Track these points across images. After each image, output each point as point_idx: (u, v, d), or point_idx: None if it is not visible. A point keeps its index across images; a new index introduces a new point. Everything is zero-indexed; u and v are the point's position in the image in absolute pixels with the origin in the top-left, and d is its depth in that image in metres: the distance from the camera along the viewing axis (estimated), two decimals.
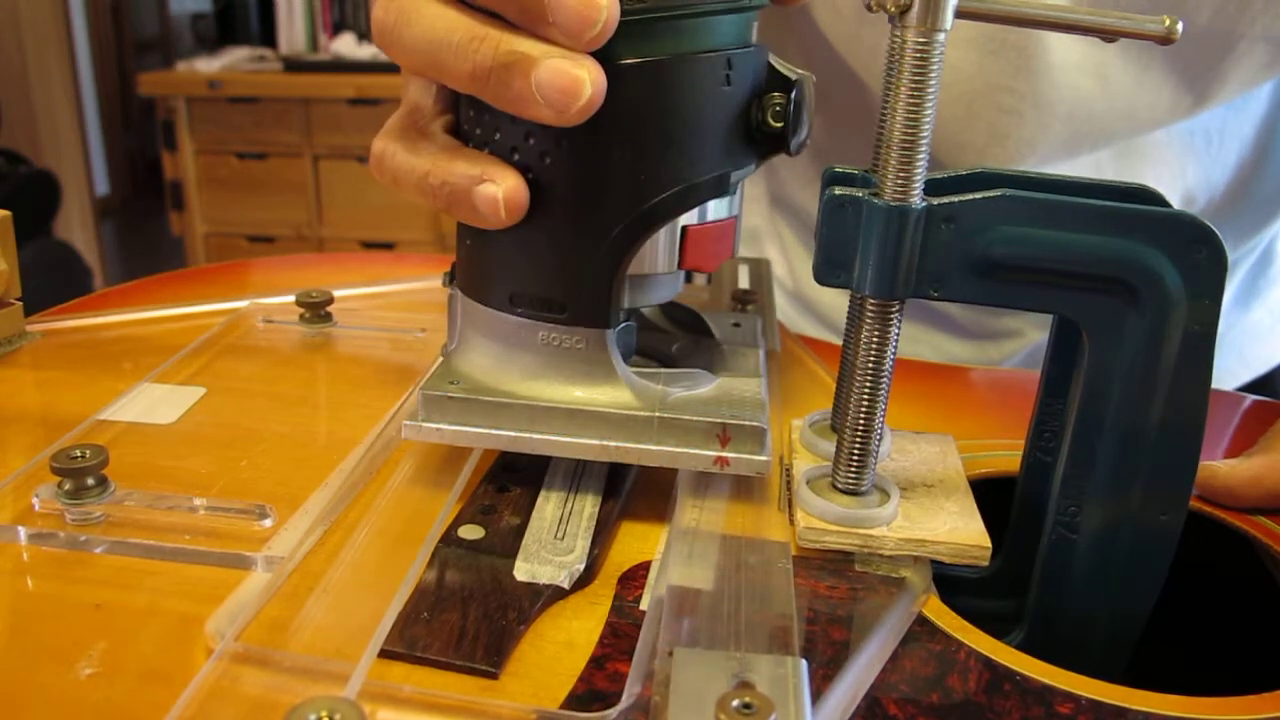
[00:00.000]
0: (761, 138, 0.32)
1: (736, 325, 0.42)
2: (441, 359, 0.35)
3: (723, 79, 0.31)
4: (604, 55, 0.28)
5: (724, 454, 0.32)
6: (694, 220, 0.33)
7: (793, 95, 0.32)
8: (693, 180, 0.31)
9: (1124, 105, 0.51)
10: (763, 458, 0.32)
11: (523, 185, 0.30)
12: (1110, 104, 0.51)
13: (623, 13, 0.28)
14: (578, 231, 0.31)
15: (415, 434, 0.32)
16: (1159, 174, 0.51)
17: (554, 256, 0.32)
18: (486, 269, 0.33)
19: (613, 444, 0.32)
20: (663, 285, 0.35)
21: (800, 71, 0.32)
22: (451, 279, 0.36)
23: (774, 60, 0.33)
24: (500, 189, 0.30)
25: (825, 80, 0.57)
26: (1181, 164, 0.55)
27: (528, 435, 0.32)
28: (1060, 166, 0.53)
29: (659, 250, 0.33)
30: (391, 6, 0.30)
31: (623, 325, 0.33)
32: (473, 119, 0.32)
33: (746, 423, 0.32)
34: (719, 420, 0.32)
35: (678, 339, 0.40)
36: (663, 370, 0.35)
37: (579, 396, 0.32)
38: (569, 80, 0.27)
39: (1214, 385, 0.30)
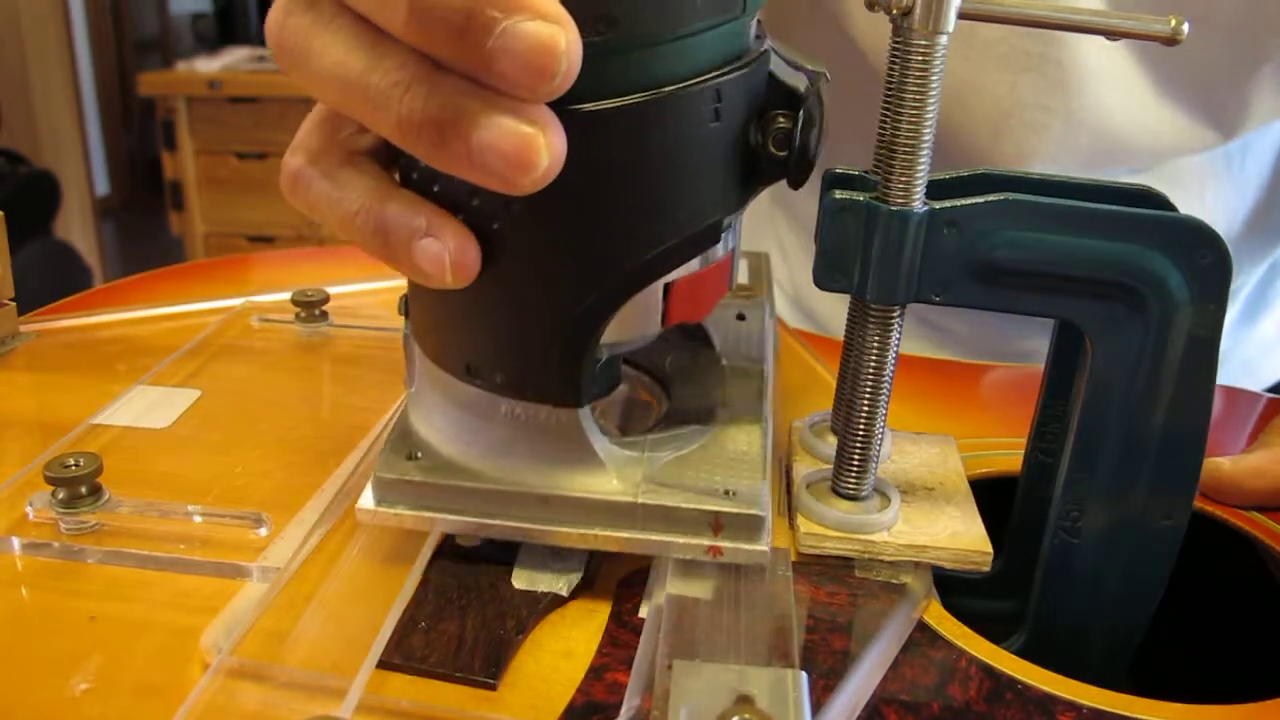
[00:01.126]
0: (762, 165, 0.27)
1: (741, 318, 0.38)
2: (399, 413, 0.31)
3: (710, 114, 0.26)
4: (564, 96, 0.22)
5: (716, 543, 0.28)
6: (679, 273, 0.28)
7: (800, 113, 0.27)
8: (675, 240, 0.27)
9: (1149, 120, 0.51)
10: (760, 547, 0.28)
11: (473, 244, 0.25)
12: (1131, 118, 0.51)
13: (585, 40, 0.22)
14: (537, 305, 0.27)
15: (370, 519, 0.29)
16: (1177, 199, 0.52)
17: (511, 331, 0.27)
18: (439, 332, 0.29)
19: (592, 532, 0.29)
20: (645, 340, 0.30)
21: (810, 67, 0.28)
22: (407, 310, 0.31)
23: (776, 64, 0.28)
24: (448, 247, 0.25)
25: (840, 72, 0.57)
26: (1201, 188, 0.55)
27: (497, 522, 0.29)
28: None
29: (637, 313, 0.28)
30: (290, 25, 0.24)
31: (602, 361, 0.28)
32: (409, 159, 0.27)
33: (742, 511, 0.28)
34: (710, 509, 0.28)
35: (673, 348, 0.36)
36: (647, 437, 0.31)
37: (552, 480, 0.29)
38: (518, 146, 0.22)
39: None
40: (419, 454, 0.29)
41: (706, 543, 0.28)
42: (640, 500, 0.28)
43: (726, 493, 0.28)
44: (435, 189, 0.26)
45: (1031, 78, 0.50)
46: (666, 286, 0.28)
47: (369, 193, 0.25)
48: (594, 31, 0.23)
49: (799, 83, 0.27)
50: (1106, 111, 0.51)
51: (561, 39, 0.21)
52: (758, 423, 0.32)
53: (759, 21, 0.28)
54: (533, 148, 0.22)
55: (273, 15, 0.25)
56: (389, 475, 0.29)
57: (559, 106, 0.22)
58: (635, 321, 0.28)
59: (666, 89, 0.25)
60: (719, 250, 0.29)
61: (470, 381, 0.28)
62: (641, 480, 0.29)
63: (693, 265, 0.28)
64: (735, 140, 0.27)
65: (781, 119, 0.27)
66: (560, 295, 0.27)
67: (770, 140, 0.27)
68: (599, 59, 0.23)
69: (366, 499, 0.29)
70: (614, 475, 0.29)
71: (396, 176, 0.27)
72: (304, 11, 0.24)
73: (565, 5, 0.21)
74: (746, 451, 0.30)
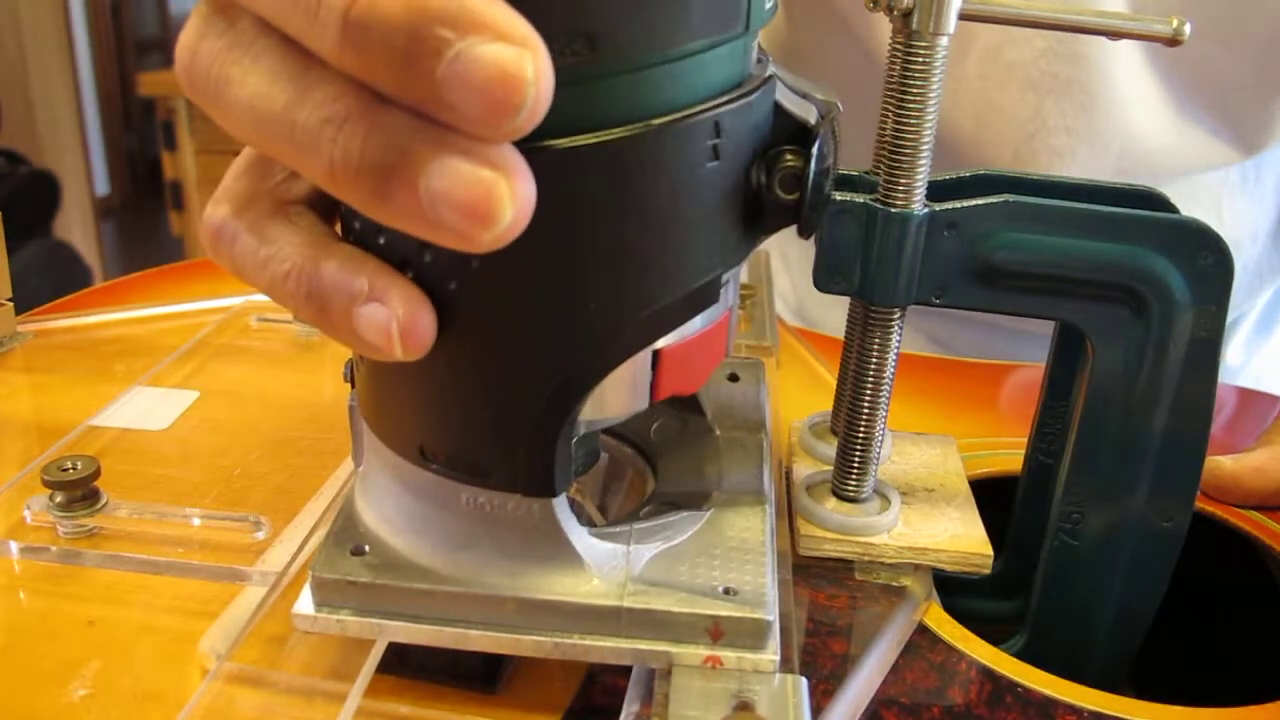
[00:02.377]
0: (766, 210, 0.24)
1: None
2: (343, 499, 0.28)
3: (708, 152, 0.22)
4: (532, 132, 0.18)
5: (715, 652, 0.24)
6: (670, 339, 0.24)
7: (813, 151, 0.23)
8: (666, 301, 0.23)
9: (1173, 140, 0.51)
10: (768, 656, 0.24)
11: (425, 309, 0.21)
12: (1156, 139, 0.50)
13: (557, 64, 0.18)
14: (503, 378, 0.23)
15: (309, 626, 0.25)
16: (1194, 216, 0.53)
17: (472, 408, 0.24)
18: (388, 409, 0.25)
19: (569, 641, 0.25)
20: (629, 415, 0.26)
21: (820, 97, 0.25)
22: (353, 377, 0.27)
23: (782, 93, 0.24)
24: (395, 314, 0.21)
25: (843, 74, 0.57)
26: (1217, 204, 0.55)
27: (457, 630, 0.25)
28: None
29: (621, 386, 0.24)
30: (204, 50, 0.20)
31: (579, 437, 0.25)
32: (349, 206, 0.22)
33: (745, 615, 0.24)
34: (707, 614, 0.24)
35: (658, 414, 0.32)
36: (633, 526, 0.27)
37: (521, 581, 0.25)
38: (476, 195, 0.18)
39: None
40: (366, 548, 0.26)
41: (704, 652, 0.24)
42: (626, 604, 0.24)
43: (726, 591, 0.25)
44: (381, 240, 0.22)
45: (1057, 101, 0.49)
46: (655, 354, 0.24)
47: (301, 249, 0.22)
48: (569, 53, 0.19)
49: (808, 114, 0.24)
50: (1131, 133, 0.50)
51: (528, 65, 0.17)
52: (760, 504, 0.28)
53: (760, 46, 0.25)
54: (493, 197, 0.18)
55: (184, 39, 0.21)
56: (330, 575, 0.25)
57: (526, 144, 0.18)
58: (618, 396, 0.24)
59: (655, 122, 0.21)
60: (716, 311, 0.25)
61: (425, 466, 0.25)
62: (626, 580, 0.25)
63: (685, 329, 0.24)
64: (736, 182, 0.23)
65: (789, 157, 0.23)
66: (530, 367, 0.23)
67: (776, 182, 0.23)
68: (574, 86, 0.20)
69: (304, 603, 0.25)
70: (594, 574, 0.25)
71: (339, 228, 0.24)
72: (220, 34, 0.20)
73: (533, 21, 0.17)
74: (748, 539, 0.27)
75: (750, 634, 0.24)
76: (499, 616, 0.25)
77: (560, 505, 0.25)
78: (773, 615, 0.25)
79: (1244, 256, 0.56)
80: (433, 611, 0.25)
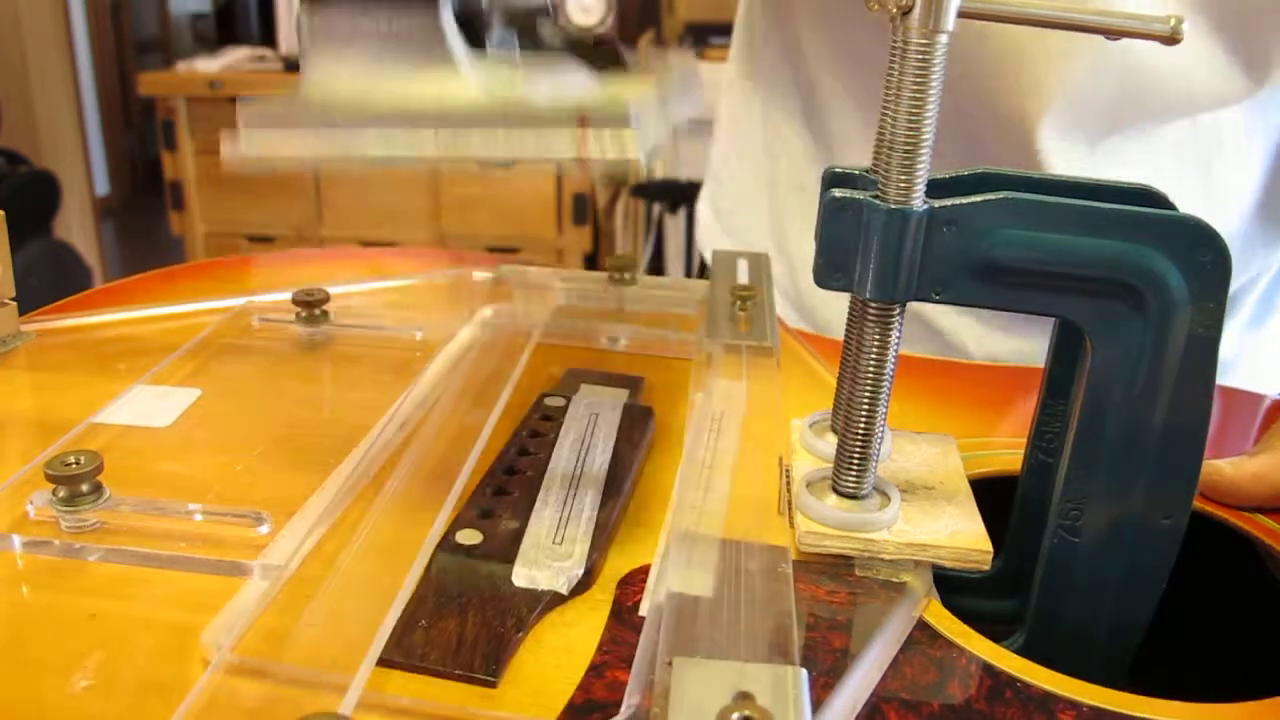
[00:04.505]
0: None
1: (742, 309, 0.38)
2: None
3: None
4: None
5: (585, 131, 0.27)
6: None
7: None
8: None
9: (1183, 60, 0.49)
10: (629, 130, 0.27)
11: None
12: (1165, 57, 0.48)
13: None
14: None
15: (234, 151, 0.29)
16: (1183, 176, 0.50)
17: None
18: None
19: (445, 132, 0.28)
20: None
21: None
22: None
23: None
24: None
25: (847, 76, 0.56)
26: (1207, 160, 0.53)
27: (349, 134, 0.28)
28: (1097, 152, 0.52)
29: None
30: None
31: None
32: None
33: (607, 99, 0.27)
34: (576, 107, 0.27)
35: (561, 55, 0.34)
36: (520, 61, 0.31)
37: (410, 91, 0.28)
38: None
39: None
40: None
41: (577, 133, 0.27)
42: (501, 102, 0.28)
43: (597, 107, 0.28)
44: None
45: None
46: None
47: None
48: None
49: None
50: (1138, 48, 0.48)
51: None
52: (651, 85, 0.30)
53: None
54: None
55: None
56: (254, 108, 0.29)
57: None
58: None
59: None
60: None
61: None
62: (505, 88, 0.28)
63: None
64: None
65: None
66: None
67: None
68: None
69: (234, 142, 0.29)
70: (475, 83, 0.28)
71: None
72: None
73: None
74: (636, 92, 0.29)
75: (614, 118, 0.27)
76: (389, 121, 0.28)
77: (445, 18, 0.28)
78: (637, 125, 0.27)
79: (1230, 225, 0.55)
80: (333, 126, 0.28)
